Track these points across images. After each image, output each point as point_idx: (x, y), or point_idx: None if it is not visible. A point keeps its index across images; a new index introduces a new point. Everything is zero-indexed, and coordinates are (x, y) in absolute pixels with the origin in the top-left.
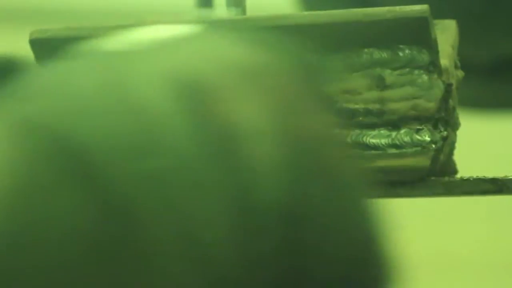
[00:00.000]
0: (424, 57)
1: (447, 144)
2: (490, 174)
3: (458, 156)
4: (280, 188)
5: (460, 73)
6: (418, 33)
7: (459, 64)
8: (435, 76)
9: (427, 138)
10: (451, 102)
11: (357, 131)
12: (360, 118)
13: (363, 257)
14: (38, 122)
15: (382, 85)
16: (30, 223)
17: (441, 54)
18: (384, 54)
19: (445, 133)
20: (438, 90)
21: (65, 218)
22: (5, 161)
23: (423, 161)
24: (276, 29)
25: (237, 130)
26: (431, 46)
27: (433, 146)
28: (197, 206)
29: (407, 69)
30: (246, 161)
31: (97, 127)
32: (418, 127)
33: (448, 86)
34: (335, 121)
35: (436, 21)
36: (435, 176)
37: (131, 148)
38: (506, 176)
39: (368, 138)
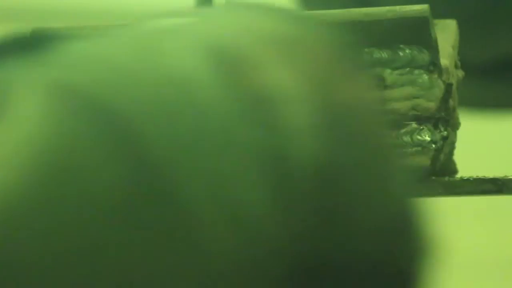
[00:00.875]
0: (424, 57)
1: (447, 144)
2: (490, 174)
3: (458, 156)
4: (314, 150)
5: (460, 73)
6: (418, 33)
7: (459, 64)
8: (435, 76)
9: (427, 138)
10: (451, 102)
11: None
12: None
13: (397, 230)
14: (76, 86)
15: (382, 85)
16: (69, 180)
17: (441, 54)
18: (384, 54)
19: (445, 133)
20: (438, 90)
21: (103, 176)
22: (44, 121)
23: (423, 161)
24: None
25: (272, 94)
26: (431, 46)
27: (433, 146)
28: (234, 167)
29: (407, 69)
30: (281, 124)
31: (135, 92)
32: (418, 127)
33: (448, 86)
34: (369, 89)
35: (436, 21)
36: (435, 176)
37: (169, 111)
38: (506, 176)
39: None
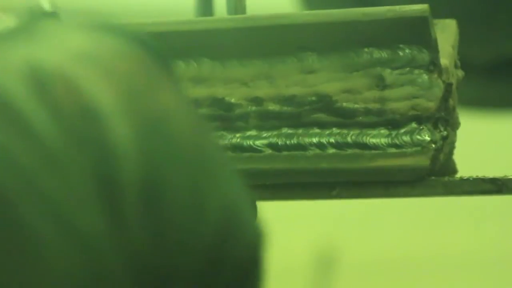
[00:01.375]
0: (424, 56)
1: (447, 144)
2: (490, 174)
3: (458, 156)
4: (137, 165)
5: (460, 73)
6: (418, 33)
7: (459, 63)
8: (435, 75)
9: (427, 138)
10: (451, 101)
11: (357, 131)
12: (360, 118)
13: (227, 234)
14: None
15: (382, 84)
16: None
17: (441, 53)
18: (384, 54)
19: (445, 133)
20: (438, 90)
21: None
22: None
23: (423, 161)
24: (276, 29)
25: (92, 110)
26: (431, 46)
27: (433, 146)
28: (64, 188)
29: (407, 69)
30: (104, 140)
31: None
32: (418, 127)
33: (448, 86)
34: (183, 100)
35: (436, 21)
36: (435, 176)
37: None
38: (506, 176)
39: (368, 138)
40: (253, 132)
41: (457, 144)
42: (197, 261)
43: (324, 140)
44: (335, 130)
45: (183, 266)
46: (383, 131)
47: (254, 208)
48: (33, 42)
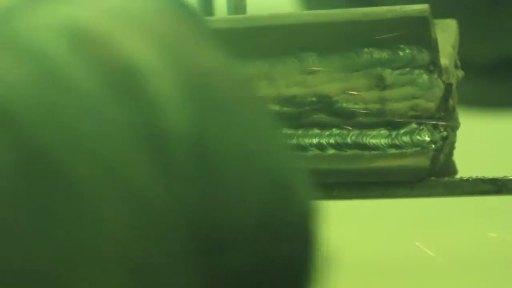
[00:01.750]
0: (424, 56)
1: (447, 144)
2: (490, 174)
3: (458, 156)
4: (183, 120)
5: (460, 73)
6: (418, 33)
7: (459, 63)
8: (435, 75)
9: (427, 138)
10: (451, 102)
11: (357, 131)
12: (360, 118)
13: (279, 194)
14: None
15: (382, 85)
16: None
17: (441, 53)
18: (384, 54)
19: (445, 133)
20: (438, 90)
21: None
22: None
23: (423, 161)
24: (276, 29)
25: (135, 68)
26: (431, 46)
27: (433, 146)
28: (112, 144)
29: (407, 69)
30: (149, 97)
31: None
32: (418, 127)
33: (448, 86)
34: (225, 60)
35: (436, 21)
36: (435, 176)
37: (41, 97)
38: (506, 176)
39: (368, 138)
40: None
41: (457, 144)
42: (248, 224)
43: (324, 141)
44: (335, 130)
45: (234, 227)
46: (383, 131)
47: (306, 179)
48: (74, 2)
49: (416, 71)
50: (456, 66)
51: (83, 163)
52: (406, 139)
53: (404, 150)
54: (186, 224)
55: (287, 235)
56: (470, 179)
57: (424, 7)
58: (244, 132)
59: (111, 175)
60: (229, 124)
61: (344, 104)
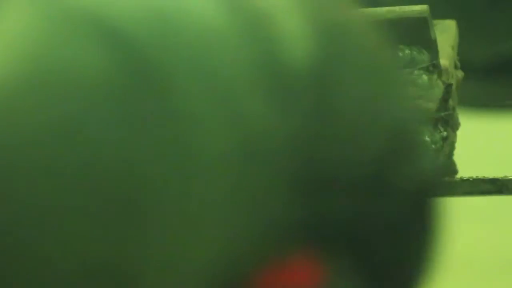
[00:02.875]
0: (424, 57)
1: (447, 144)
2: (490, 174)
3: (458, 156)
4: (307, 57)
5: (460, 73)
6: (418, 33)
7: (459, 64)
8: (435, 76)
9: (427, 138)
10: (451, 102)
11: None
12: None
13: (397, 141)
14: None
15: None
16: (58, 71)
17: (441, 54)
18: None
19: (445, 133)
20: (438, 90)
21: (92, 69)
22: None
23: None
24: None
25: (262, 7)
26: (431, 47)
27: (433, 146)
28: (229, 70)
29: (407, 70)
30: (272, 32)
31: (128, 1)
32: None
33: (448, 86)
34: (357, 17)
35: (436, 21)
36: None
37: (163, 21)
38: (506, 176)
39: None
40: None
41: (457, 144)
42: (359, 172)
43: None
44: None
45: (344, 172)
46: None
47: (425, 144)
48: None
49: (416, 72)
50: (456, 67)
51: (195, 87)
52: None
53: None
54: (295, 160)
55: (394, 197)
56: (471, 179)
57: (423, 7)
58: (368, 81)
59: (225, 103)
60: (352, 70)
61: None
